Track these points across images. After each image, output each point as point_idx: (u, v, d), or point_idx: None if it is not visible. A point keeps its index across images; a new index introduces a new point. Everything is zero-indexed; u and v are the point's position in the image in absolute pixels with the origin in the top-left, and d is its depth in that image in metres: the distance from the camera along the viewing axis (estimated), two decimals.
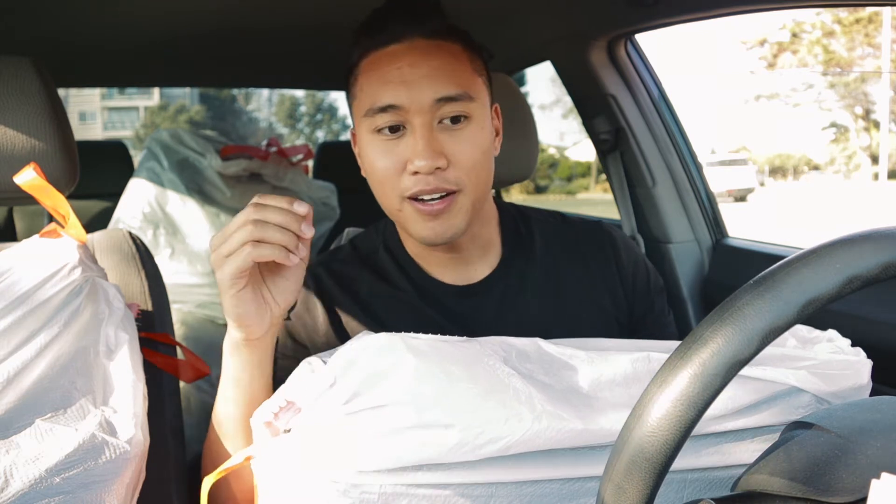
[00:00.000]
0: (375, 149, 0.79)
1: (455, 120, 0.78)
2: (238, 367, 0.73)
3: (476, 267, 0.89)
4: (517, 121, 1.19)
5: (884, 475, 0.36)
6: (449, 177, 0.77)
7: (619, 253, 0.93)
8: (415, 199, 0.78)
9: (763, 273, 0.39)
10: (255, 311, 0.69)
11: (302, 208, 0.66)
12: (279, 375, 0.71)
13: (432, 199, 0.78)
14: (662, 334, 0.91)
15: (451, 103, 0.77)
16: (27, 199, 0.79)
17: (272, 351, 0.75)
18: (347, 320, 0.86)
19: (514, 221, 0.93)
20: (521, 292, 0.88)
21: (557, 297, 0.89)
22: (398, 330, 0.60)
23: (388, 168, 0.78)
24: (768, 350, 0.59)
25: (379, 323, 0.85)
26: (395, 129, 0.78)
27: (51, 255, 0.71)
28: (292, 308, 0.88)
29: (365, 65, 0.80)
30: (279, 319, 0.73)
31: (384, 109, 0.77)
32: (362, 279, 0.89)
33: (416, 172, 0.76)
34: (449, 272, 0.88)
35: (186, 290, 1.75)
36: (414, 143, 0.76)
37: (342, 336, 0.85)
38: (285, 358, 0.86)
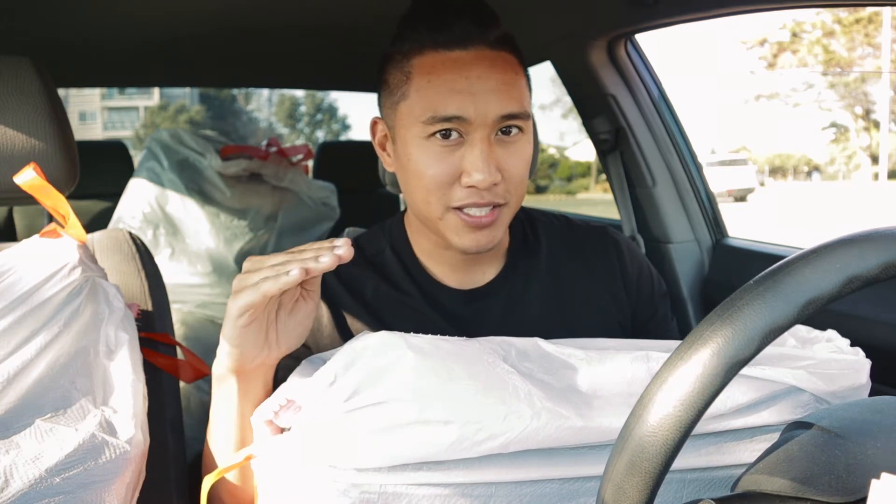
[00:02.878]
0: (427, 155, 0.76)
1: (507, 131, 0.76)
2: (223, 397, 0.71)
3: (483, 270, 0.88)
4: None
5: (884, 475, 0.36)
6: (500, 191, 0.76)
7: (623, 258, 0.92)
8: (460, 209, 0.77)
9: (763, 273, 0.39)
10: (252, 348, 0.66)
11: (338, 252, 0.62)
12: (280, 375, 0.71)
13: (479, 210, 0.76)
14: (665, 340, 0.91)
15: (512, 120, 0.76)
16: (27, 199, 0.79)
17: (259, 391, 0.71)
18: (352, 321, 0.86)
19: (521, 224, 0.93)
20: (525, 296, 0.88)
21: (561, 301, 0.89)
22: (401, 332, 0.60)
23: (440, 176, 0.76)
24: (768, 350, 0.59)
25: (383, 325, 0.85)
26: (447, 134, 0.75)
27: (51, 255, 0.71)
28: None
29: (421, 64, 0.76)
30: (274, 362, 0.70)
31: (447, 119, 0.74)
32: (367, 280, 0.88)
33: (471, 186, 0.75)
34: (455, 275, 0.88)
35: (186, 290, 1.75)
36: (473, 156, 0.74)
37: (346, 336, 0.85)
38: (287, 357, 0.86)
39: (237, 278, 0.64)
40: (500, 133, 0.76)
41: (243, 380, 0.69)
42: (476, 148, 0.74)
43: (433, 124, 0.75)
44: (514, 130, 0.77)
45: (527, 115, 0.77)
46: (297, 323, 0.69)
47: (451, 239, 0.79)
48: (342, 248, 0.61)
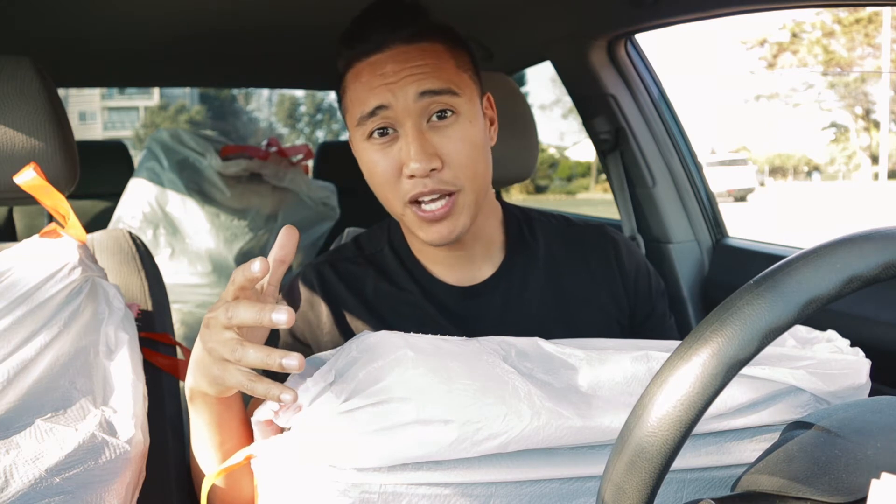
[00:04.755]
0: (371, 155, 0.79)
1: (441, 116, 0.78)
2: (199, 414, 0.68)
3: (479, 266, 0.89)
4: (517, 121, 1.19)
5: (884, 475, 0.36)
6: (445, 177, 0.77)
7: (621, 256, 0.93)
8: (416, 203, 0.78)
9: (763, 273, 0.39)
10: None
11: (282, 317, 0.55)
12: (281, 375, 0.71)
13: (433, 203, 0.78)
14: (663, 338, 0.91)
15: (435, 98, 0.77)
16: (27, 199, 0.79)
17: (233, 413, 0.69)
18: (351, 319, 0.87)
19: (518, 223, 0.93)
20: (523, 293, 0.88)
21: (559, 299, 0.89)
22: (401, 330, 0.60)
23: (385, 173, 0.79)
24: (768, 349, 0.59)
25: (383, 323, 0.86)
26: (384, 132, 0.78)
27: (51, 255, 0.71)
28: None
29: (350, 76, 0.82)
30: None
31: (373, 113, 0.77)
32: (367, 278, 0.89)
33: (412, 176, 0.77)
34: (452, 272, 0.88)
35: (186, 290, 1.76)
36: (406, 146, 0.77)
37: (346, 335, 0.85)
38: None
39: (209, 319, 0.59)
40: (434, 119, 0.78)
41: (217, 404, 0.67)
42: (408, 137, 0.77)
43: (364, 123, 0.78)
44: (449, 114, 0.78)
45: (452, 93, 0.78)
46: (260, 338, 0.68)
47: (417, 234, 0.81)
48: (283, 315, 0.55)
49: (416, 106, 0.77)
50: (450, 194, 0.78)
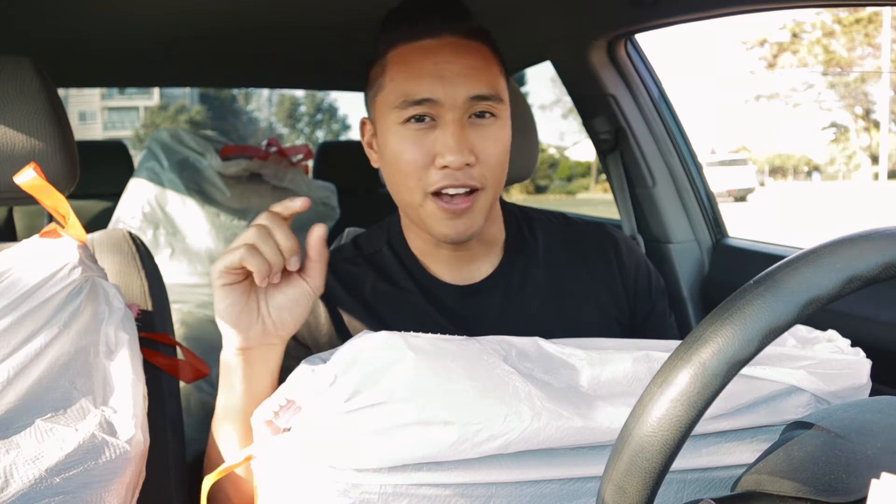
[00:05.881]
0: (403, 140, 0.78)
1: (481, 115, 0.79)
2: (227, 385, 0.72)
3: (479, 265, 0.89)
4: (517, 121, 1.19)
5: (884, 475, 0.36)
6: (475, 174, 0.78)
7: (621, 254, 0.93)
8: (438, 196, 0.78)
9: (763, 273, 0.39)
10: (241, 313, 0.68)
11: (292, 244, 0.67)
12: (281, 375, 0.71)
13: (457, 196, 0.78)
14: (663, 336, 0.91)
15: (482, 102, 0.78)
16: (27, 199, 0.79)
17: (263, 381, 0.72)
18: (350, 320, 0.86)
19: (517, 221, 0.94)
20: (523, 292, 0.88)
21: (559, 298, 0.89)
22: (401, 330, 0.60)
23: (415, 160, 0.78)
24: (768, 349, 0.59)
25: (382, 323, 0.86)
26: (421, 119, 0.78)
27: (51, 255, 0.71)
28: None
29: (395, 56, 0.80)
30: (275, 338, 0.71)
31: (419, 102, 0.77)
32: (366, 278, 0.89)
33: (444, 167, 0.77)
34: (452, 271, 0.88)
35: (186, 290, 1.75)
36: (445, 137, 0.77)
37: (345, 336, 0.85)
38: (287, 357, 0.86)
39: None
40: (473, 117, 0.78)
41: (248, 363, 0.70)
42: (448, 129, 0.77)
43: (406, 108, 0.77)
44: (488, 115, 0.79)
45: (499, 99, 0.80)
46: (290, 301, 0.70)
47: (432, 227, 0.81)
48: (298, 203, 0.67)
49: (464, 104, 0.77)
50: (474, 190, 0.79)
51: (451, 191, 0.78)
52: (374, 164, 0.87)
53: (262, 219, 0.66)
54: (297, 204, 0.67)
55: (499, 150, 0.80)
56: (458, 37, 0.79)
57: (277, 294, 0.70)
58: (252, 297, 0.69)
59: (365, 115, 0.90)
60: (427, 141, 0.78)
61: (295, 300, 0.70)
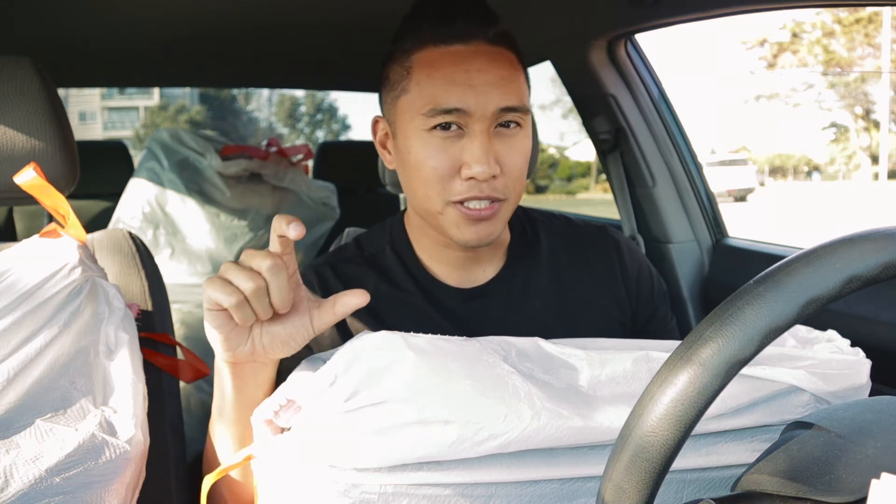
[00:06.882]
0: (428, 147, 0.76)
1: (506, 125, 0.77)
2: (219, 392, 0.70)
3: (483, 268, 0.89)
4: None
5: (884, 475, 0.36)
6: (499, 185, 0.77)
7: (623, 257, 0.93)
8: (460, 203, 0.77)
9: (763, 273, 0.39)
10: (228, 337, 0.63)
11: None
12: (281, 375, 0.71)
13: (481, 204, 0.77)
14: (665, 339, 0.91)
15: (510, 113, 0.77)
16: (27, 199, 0.79)
17: (254, 392, 0.69)
18: (351, 321, 0.86)
19: (520, 223, 0.93)
20: (525, 295, 0.88)
21: (561, 300, 0.89)
22: (401, 331, 0.59)
23: (439, 169, 0.76)
24: (768, 349, 0.59)
25: (383, 324, 0.85)
26: (446, 127, 0.76)
27: (51, 255, 0.71)
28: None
29: (422, 59, 0.77)
30: (265, 359, 0.67)
31: (448, 111, 0.75)
32: (367, 279, 0.88)
33: (470, 178, 0.75)
34: (456, 274, 0.88)
35: (186, 290, 1.75)
36: (472, 147, 0.75)
37: (346, 336, 0.85)
38: (287, 358, 0.86)
39: (224, 266, 0.61)
40: (498, 126, 0.77)
41: (237, 375, 0.67)
42: (476, 140, 0.75)
43: (434, 116, 0.75)
44: (513, 125, 0.78)
45: (525, 110, 0.78)
46: (286, 334, 0.65)
47: (452, 233, 0.79)
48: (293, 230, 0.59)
49: (493, 115, 0.76)
50: (496, 200, 0.78)
51: (475, 204, 0.76)
52: (389, 166, 0.85)
53: (265, 268, 0.59)
54: (291, 234, 0.59)
55: (522, 161, 0.79)
56: (488, 43, 0.78)
57: (276, 325, 0.65)
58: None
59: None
60: (453, 150, 0.76)
61: (291, 334, 0.65)
